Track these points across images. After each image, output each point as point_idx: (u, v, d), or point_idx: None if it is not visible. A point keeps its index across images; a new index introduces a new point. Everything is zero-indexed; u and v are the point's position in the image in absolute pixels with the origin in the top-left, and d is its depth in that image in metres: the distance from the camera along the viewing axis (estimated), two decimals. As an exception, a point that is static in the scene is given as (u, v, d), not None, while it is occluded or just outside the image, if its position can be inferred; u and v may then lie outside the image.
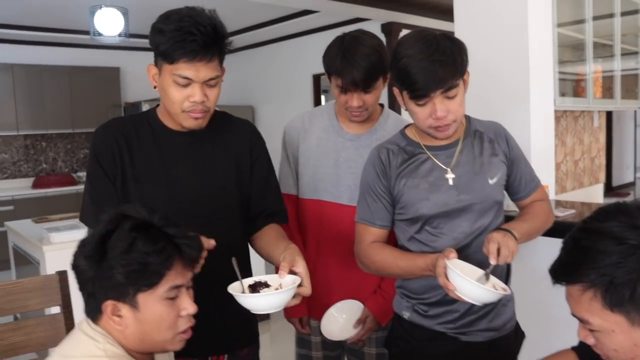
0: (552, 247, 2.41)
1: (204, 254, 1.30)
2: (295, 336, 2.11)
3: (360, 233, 1.68)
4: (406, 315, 1.68)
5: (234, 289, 1.33)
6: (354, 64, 1.73)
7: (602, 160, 4.41)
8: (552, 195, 3.01)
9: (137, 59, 7.76)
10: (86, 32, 5.20)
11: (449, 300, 1.57)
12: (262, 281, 1.36)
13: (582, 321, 1.03)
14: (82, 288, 1.19)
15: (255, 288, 1.34)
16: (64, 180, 7.12)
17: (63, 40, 6.99)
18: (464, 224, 1.57)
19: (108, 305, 1.15)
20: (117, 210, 1.20)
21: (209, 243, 1.33)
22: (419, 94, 1.46)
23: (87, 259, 1.15)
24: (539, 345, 1.60)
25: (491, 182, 1.59)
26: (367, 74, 1.73)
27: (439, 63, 1.43)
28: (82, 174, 7.38)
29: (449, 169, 1.58)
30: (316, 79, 7.20)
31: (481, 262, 1.46)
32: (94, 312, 1.19)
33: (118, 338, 1.18)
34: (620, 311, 0.96)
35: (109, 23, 4.34)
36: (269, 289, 1.34)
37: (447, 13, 5.64)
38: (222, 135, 1.64)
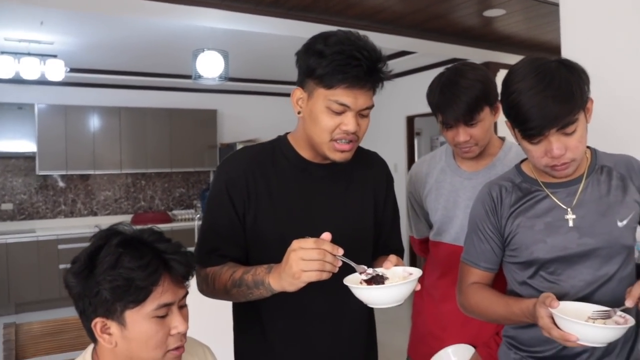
0: None
1: (336, 264, 1.19)
2: None
3: (463, 273, 1.56)
4: None
5: (351, 281, 1.23)
6: (452, 98, 1.66)
7: None
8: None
9: (234, 102, 8.05)
10: (187, 76, 5.43)
11: (565, 355, 1.41)
12: (377, 274, 1.26)
13: None
14: (76, 307, 1.19)
15: (370, 283, 1.24)
16: (160, 217, 7.37)
17: (166, 85, 7.36)
18: (586, 270, 1.38)
19: (97, 322, 1.16)
20: (108, 228, 1.21)
21: (338, 250, 1.19)
22: (532, 133, 1.31)
23: (75, 275, 1.16)
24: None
25: (620, 224, 1.38)
26: (468, 106, 1.64)
27: (552, 99, 1.26)
28: (177, 212, 7.66)
29: (569, 209, 1.41)
30: (410, 120, 7.14)
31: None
32: (89, 332, 1.19)
33: (108, 357, 1.20)
34: None
35: (210, 66, 4.51)
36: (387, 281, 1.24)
37: (551, 51, 5.43)
38: (359, 169, 1.55)
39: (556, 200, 1.43)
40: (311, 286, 1.22)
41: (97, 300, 1.13)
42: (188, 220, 7.32)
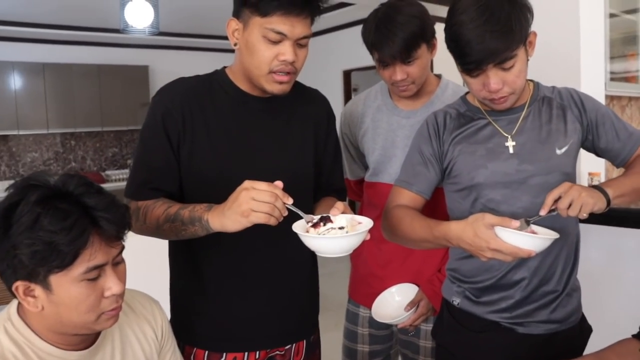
0: (619, 237, 2.25)
1: (284, 212, 1.16)
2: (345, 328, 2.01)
3: (393, 195, 1.55)
4: (456, 301, 1.54)
5: (299, 227, 1.21)
6: (388, 35, 1.63)
7: (650, 153, 4.22)
8: (603, 184, 2.84)
9: (166, 57, 7.79)
10: (116, 30, 5.17)
11: (503, 285, 1.45)
12: (324, 216, 1.23)
13: None
14: None
15: (317, 226, 1.22)
16: (92, 178, 6.80)
17: (93, 39, 7.00)
18: (525, 197, 1.41)
19: (18, 286, 1.02)
20: (25, 178, 1.05)
21: (288, 199, 1.17)
22: (469, 67, 1.32)
23: None
24: (608, 342, 1.45)
25: (559, 152, 1.42)
26: (405, 43, 1.62)
27: (490, 34, 1.26)
28: (111, 172, 7.41)
29: (509, 136, 1.44)
30: (347, 75, 7.09)
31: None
32: (11, 293, 1.06)
33: (36, 320, 1.07)
34: None
35: (139, 16, 4.30)
36: (334, 230, 1.21)
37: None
38: (300, 104, 1.52)
39: (498, 128, 1.46)
40: (253, 232, 1.21)
41: (16, 263, 0.99)
42: (122, 181, 7.07)
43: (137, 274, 1.42)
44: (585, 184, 2.85)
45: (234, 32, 1.37)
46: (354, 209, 1.62)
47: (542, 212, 1.30)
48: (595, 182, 2.76)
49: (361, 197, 1.99)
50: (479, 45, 1.27)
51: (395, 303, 1.81)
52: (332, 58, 7.02)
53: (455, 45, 1.32)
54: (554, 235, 1.27)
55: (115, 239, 1.07)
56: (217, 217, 1.21)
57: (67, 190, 1.03)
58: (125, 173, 7.38)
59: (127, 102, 7.30)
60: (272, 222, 1.16)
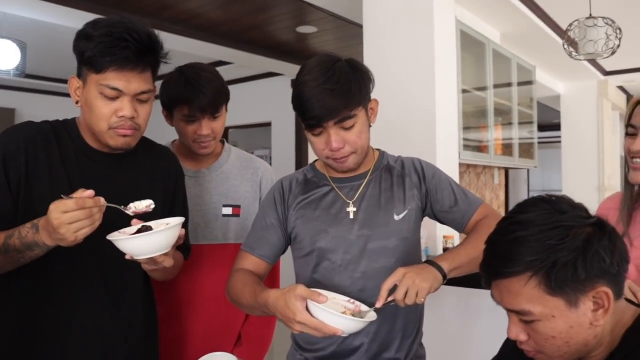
0: (473, 297, 2.34)
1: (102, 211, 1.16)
2: None
3: (238, 258, 1.55)
4: None
5: (114, 236, 1.23)
6: (200, 88, 1.69)
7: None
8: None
9: (34, 101, 7.38)
10: (-21, 69, 4.82)
11: (344, 352, 1.44)
12: (143, 225, 1.26)
13: (521, 313, 1.01)
14: None
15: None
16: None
17: (-47, 77, 6.48)
18: (364, 262, 1.43)
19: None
20: None
21: (100, 200, 1.16)
22: (311, 124, 1.38)
23: None
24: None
25: (397, 217, 1.46)
26: (214, 97, 1.71)
27: (329, 92, 1.33)
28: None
29: (351, 202, 1.48)
30: (224, 131, 7.07)
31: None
32: None
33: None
34: (560, 294, 0.96)
35: (5, 57, 4.07)
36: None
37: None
38: (147, 160, 1.50)
39: (340, 194, 1.50)
40: (83, 292, 1.32)
41: None
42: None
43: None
44: (440, 246, 3.04)
45: (76, 90, 1.36)
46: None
47: (378, 305, 1.27)
48: (450, 245, 2.95)
49: None
50: (318, 102, 1.34)
51: None
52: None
53: (298, 103, 1.38)
54: (371, 318, 1.26)
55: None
56: (50, 240, 1.18)
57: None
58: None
59: (-13, 145, 6.75)
60: (96, 225, 1.17)
